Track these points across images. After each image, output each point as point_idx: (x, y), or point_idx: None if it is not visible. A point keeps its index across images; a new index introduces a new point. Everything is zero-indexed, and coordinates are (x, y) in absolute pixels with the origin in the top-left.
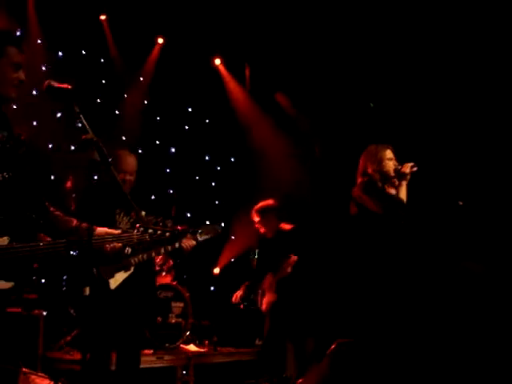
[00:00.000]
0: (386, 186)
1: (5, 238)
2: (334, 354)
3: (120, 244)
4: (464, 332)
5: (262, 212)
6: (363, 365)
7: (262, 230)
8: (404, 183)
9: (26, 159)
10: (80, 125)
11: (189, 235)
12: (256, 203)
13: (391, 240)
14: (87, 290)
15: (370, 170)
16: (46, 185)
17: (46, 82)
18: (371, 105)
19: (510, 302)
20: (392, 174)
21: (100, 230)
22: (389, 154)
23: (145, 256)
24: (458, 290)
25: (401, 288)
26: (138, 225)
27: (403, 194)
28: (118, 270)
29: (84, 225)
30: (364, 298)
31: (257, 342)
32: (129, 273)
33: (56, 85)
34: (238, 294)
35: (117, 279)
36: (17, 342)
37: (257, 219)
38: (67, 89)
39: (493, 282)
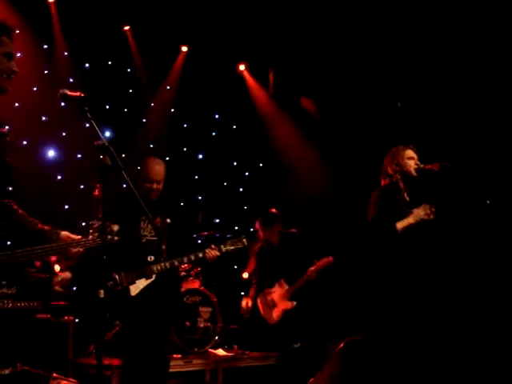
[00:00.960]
0: (405, 191)
1: None
2: (343, 352)
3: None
4: (471, 331)
5: (267, 222)
6: (373, 362)
7: (273, 239)
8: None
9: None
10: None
11: (213, 245)
12: (283, 208)
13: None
14: (102, 293)
15: (390, 171)
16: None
17: (61, 91)
18: (398, 105)
19: None
20: (413, 173)
21: (63, 233)
22: (409, 153)
23: (167, 264)
24: (466, 291)
25: (411, 288)
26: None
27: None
28: (139, 277)
29: (47, 227)
30: (375, 297)
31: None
32: (150, 280)
33: (69, 93)
34: (247, 303)
35: (138, 286)
36: (47, 347)
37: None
38: (80, 96)
39: (499, 283)
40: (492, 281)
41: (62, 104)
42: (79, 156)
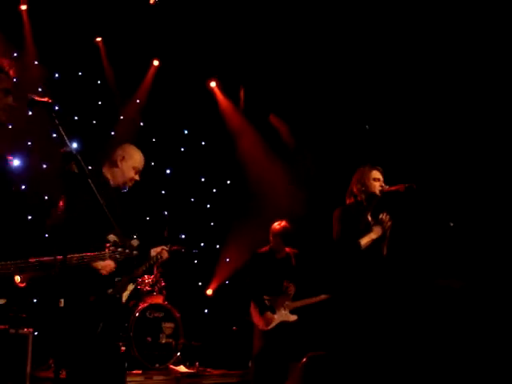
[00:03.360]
0: (368, 211)
1: None
2: (305, 367)
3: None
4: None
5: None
6: (334, 377)
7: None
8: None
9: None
10: (59, 136)
11: (164, 247)
12: (250, 225)
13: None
14: (62, 302)
15: (355, 190)
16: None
17: (28, 96)
18: (366, 127)
19: (491, 315)
20: (378, 194)
21: None
22: (375, 174)
23: (144, 267)
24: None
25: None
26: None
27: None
28: (129, 283)
29: None
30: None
31: (250, 364)
32: (135, 285)
33: (37, 98)
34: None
35: (127, 293)
36: (4, 359)
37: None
38: (47, 102)
39: (472, 297)
40: (460, 295)
41: (30, 113)
42: (44, 166)
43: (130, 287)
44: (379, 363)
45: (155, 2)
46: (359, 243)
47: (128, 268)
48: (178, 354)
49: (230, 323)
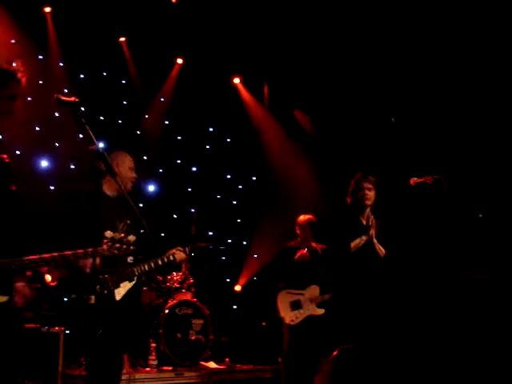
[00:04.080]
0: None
1: None
2: (336, 360)
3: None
4: (466, 338)
5: (304, 225)
6: (365, 370)
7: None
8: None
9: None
10: (86, 136)
11: (180, 248)
12: (276, 221)
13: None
14: (93, 299)
15: (349, 197)
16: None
17: (55, 96)
18: (393, 119)
19: None
20: (366, 203)
21: None
22: (366, 184)
23: (146, 266)
24: (461, 298)
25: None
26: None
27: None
28: (123, 280)
29: None
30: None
31: (279, 359)
32: (133, 283)
33: (63, 98)
34: None
35: (121, 290)
36: (36, 358)
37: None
38: (74, 101)
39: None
40: (487, 289)
41: (56, 114)
42: (72, 166)
43: (126, 285)
44: (408, 356)
45: (177, 0)
46: (349, 246)
47: (112, 265)
48: (208, 350)
49: (258, 319)
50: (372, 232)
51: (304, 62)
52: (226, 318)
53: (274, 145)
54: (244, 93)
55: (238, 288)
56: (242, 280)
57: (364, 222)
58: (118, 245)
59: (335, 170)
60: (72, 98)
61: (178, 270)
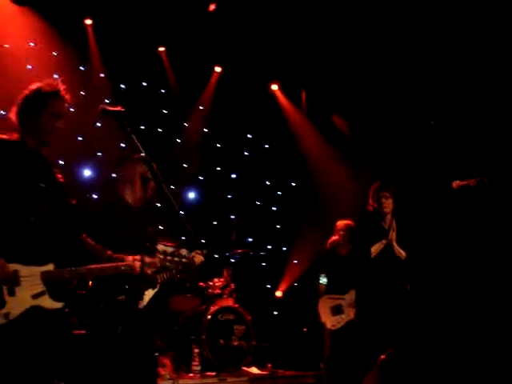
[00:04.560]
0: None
1: (50, 264)
2: (384, 364)
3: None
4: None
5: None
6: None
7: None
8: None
9: (64, 196)
10: (131, 144)
11: (198, 251)
12: (316, 227)
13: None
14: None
15: (369, 205)
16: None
17: (101, 106)
18: (432, 123)
19: None
20: (385, 212)
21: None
22: (384, 194)
23: (168, 273)
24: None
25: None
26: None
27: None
28: (146, 289)
29: (116, 255)
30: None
31: (321, 365)
32: (156, 290)
33: (109, 108)
34: None
35: (145, 298)
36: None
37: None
38: (120, 111)
39: None
40: None
41: (98, 124)
42: (114, 175)
43: (149, 294)
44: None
45: (214, 9)
46: (370, 251)
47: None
48: (250, 355)
49: (300, 324)
50: (391, 235)
51: (341, 66)
52: (267, 324)
53: (313, 150)
54: (282, 99)
55: (278, 294)
56: (283, 286)
57: (385, 227)
58: (169, 257)
59: (375, 174)
60: (118, 108)
61: (219, 276)
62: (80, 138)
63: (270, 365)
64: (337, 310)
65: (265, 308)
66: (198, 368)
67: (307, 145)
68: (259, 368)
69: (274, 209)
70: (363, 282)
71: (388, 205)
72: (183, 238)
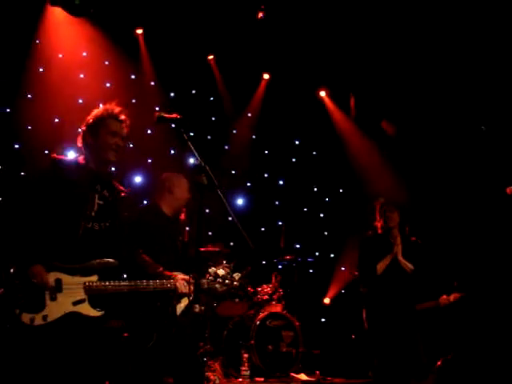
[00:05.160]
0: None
1: (94, 276)
2: (439, 371)
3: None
4: None
5: None
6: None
7: None
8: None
9: (122, 212)
10: (187, 151)
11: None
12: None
13: None
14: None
15: (376, 221)
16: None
17: (157, 114)
18: (483, 128)
19: None
20: (391, 226)
21: (179, 277)
22: (388, 207)
23: (203, 283)
24: None
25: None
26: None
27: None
28: (183, 296)
29: (167, 272)
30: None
31: (370, 374)
32: (190, 299)
33: (166, 115)
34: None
35: (181, 305)
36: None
37: None
38: (176, 118)
39: None
40: None
41: (149, 131)
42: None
43: (185, 301)
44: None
45: (262, 16)
46: (375, 268)
47: None
48: (299, 362)
49: (348, 331)
50: (396, 249)
51: (390, 71)
52: (315, 331)
53: (361, 157)
54: (330, 105)
55: (327, 301)
56: (331, 293)
57: (392, 241)
58: (220, 280)
59: (425, 180)
60: (174, 115)
61: (268, 281)
62: (131, 145)
63: (318, 372)
64: None
65: (313, 315)
66: (247, 373)
67: (355, 151)
68: (308, 375)
69: (321, 215)
70: (372, 297)
71: (393, 219)
72: (231, 243)
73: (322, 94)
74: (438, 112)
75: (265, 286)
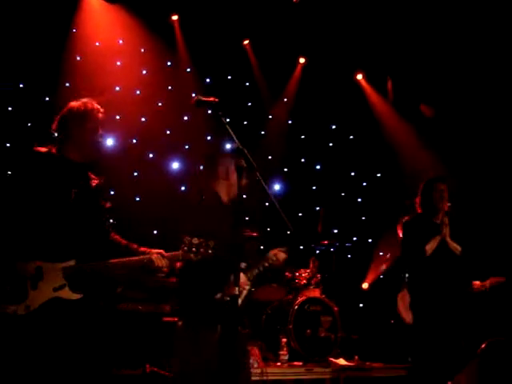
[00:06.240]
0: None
1: (72, 260)
2: (484, 353)
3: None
4: None
5: None
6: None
7: None
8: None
9: (99, 199)
10: (225, 135)
11: (281, 249)
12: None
13: None
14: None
15: (420, 199)
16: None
17: (195, 97)
18: None
19: None
20: (440, 207)
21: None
22: (443, 186)
23: (254, 272)
24: None
25: None
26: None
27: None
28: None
29: (142, 248)
30: None
31: (409, 359)
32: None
33: (204, 98)
34: None
35: (242, 296)
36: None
37: None
38: (214, 101)
39: None
40: None
41: (185, 118)
42: (201, 167)
43: (246, 291)
44: None
45: (298, 0)
46: (425, 249)
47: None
48: (337, 347)
49: (387, 316)
50: (445, 231)
51: (428, 53)
52: (354, 316)
53: (399, 140)
54: (367, 88)
55: (365, 286)
56: (369, 278)
57: (438, 223)
58: (194, 249)
59: (464, 163)
60: (211, 98)
61: (306, 266)
62: (168, 132)
63: (356, 356)
64: None
65: (351, 300)
66: (286, 357)
67: (393, 135)
68: (346, 359)
69: (359, 200)
70: (420, 282)
71: (446, 200)
72: (268, 229)
73: (359, 77)
74: (476, 94)
75: (303, 270)
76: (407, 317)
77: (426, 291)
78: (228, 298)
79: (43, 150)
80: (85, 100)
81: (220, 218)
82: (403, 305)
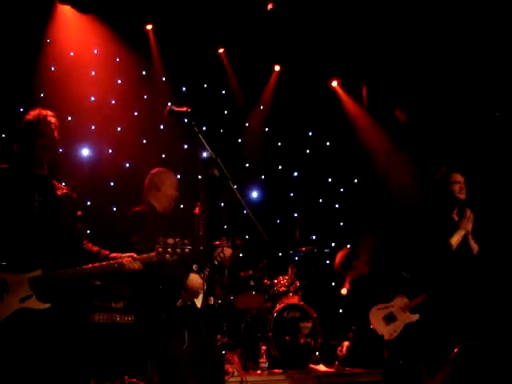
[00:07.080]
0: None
1: (38, 270)
2: (457, 358)
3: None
4: None
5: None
6: (486, 367)
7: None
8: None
9: (65, 208)
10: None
11: (225, 244)
12: (381, 224)
13: None
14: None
15: (435, 192)
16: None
17: (168, 107)
18: (497, 114)
19: None
20: (457, 197)
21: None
22: (459, 177)
23: (206, 271)
24: None
25: None
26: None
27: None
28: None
29: (113, 254)
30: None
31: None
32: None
33: (176, 108)
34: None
35: (200, 298)
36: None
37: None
38: (186, 111)
39: None
40: None
41: (161, 127)
42: (178, 176)
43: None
44: None
45: (272, 8)
46: (450, 243)
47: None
48: (317, 353)
49: (366, 322)
50: (470, 226)
51: (402, 59)
52: (333, 322)
53: (375, 146)
54: (342, 95)
55: (344, 291)
56: (348, 284)
57: (456, 218)
58: (170, 249)
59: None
60: (184, 108)
61: (284, 273)
62: (144, 141)
63: (336, 362)
64: (390, 319)
65: (330, 306)
66: (266, 365)
67: (369, 140)
68: (326, 365)
69: (336, 206)
70: (444, 278)
71: (463, 190)
72: (246, 236)
73: (334, 83)
74: (450, 99)
75: (281, 277)
76: (385, 333)
77: (447, 289)
78: (188, 303)
79: (4, 166)
80: (33, 112)
81: (155, 224)
82: (377, 322)
